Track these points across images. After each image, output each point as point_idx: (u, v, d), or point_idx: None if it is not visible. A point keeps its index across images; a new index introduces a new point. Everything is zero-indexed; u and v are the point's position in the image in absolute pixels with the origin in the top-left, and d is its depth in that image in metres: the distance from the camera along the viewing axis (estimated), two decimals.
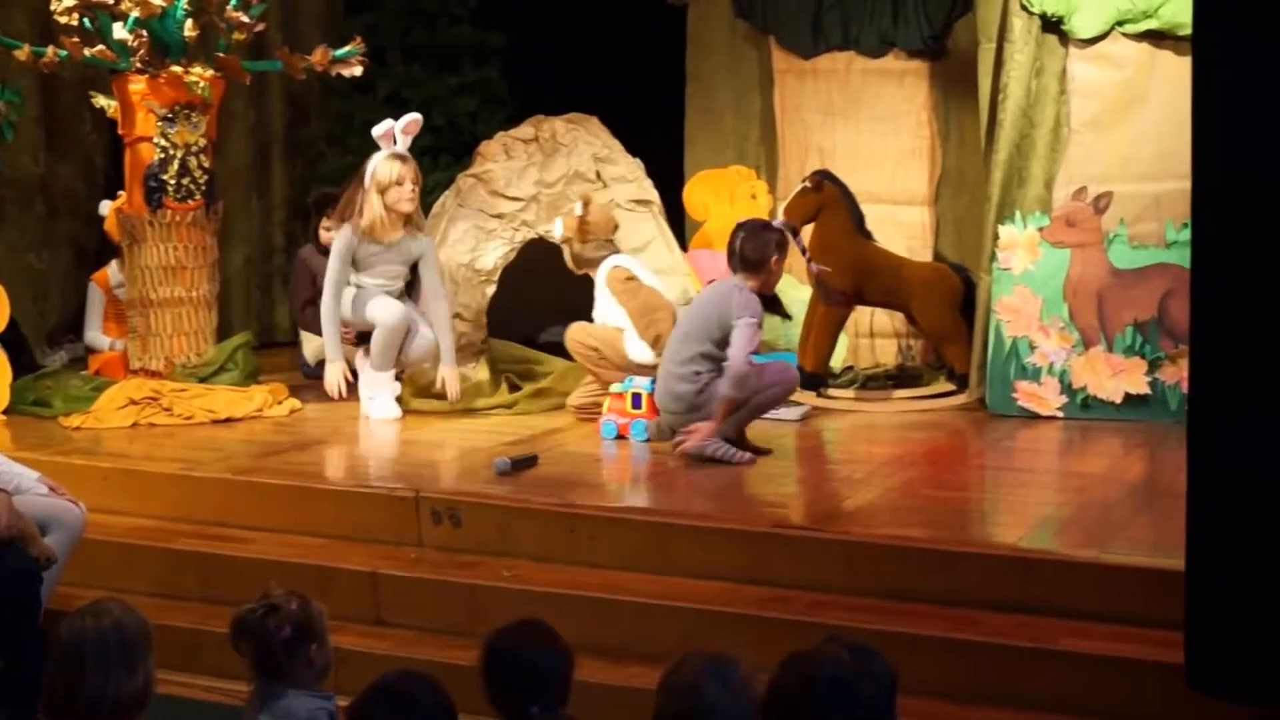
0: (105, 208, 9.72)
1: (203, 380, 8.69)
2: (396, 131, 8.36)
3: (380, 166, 8.25)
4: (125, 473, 7.26)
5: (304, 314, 9.90)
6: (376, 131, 8.37)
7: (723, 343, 7.22)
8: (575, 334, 8.45)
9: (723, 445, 7.25)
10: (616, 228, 8.73)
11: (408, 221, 8.36)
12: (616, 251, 8.63)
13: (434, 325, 8.43)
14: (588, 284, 8.99)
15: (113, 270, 9.73)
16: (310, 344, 9.86)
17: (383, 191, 8.21)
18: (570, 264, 8.68)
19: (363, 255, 8.33)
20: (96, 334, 9.83)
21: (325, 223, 9.83)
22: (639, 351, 8.29)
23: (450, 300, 8.89)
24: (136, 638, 4.15)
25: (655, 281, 8.65)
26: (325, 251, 9.82)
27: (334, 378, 8.33)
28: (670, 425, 7.45)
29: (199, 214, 8.84)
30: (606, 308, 8.43)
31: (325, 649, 4.33)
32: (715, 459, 7.22)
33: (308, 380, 9.64)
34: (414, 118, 8.49)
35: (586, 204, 8.60)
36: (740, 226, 7.53)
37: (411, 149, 10.38)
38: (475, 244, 9.25)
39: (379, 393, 8.39)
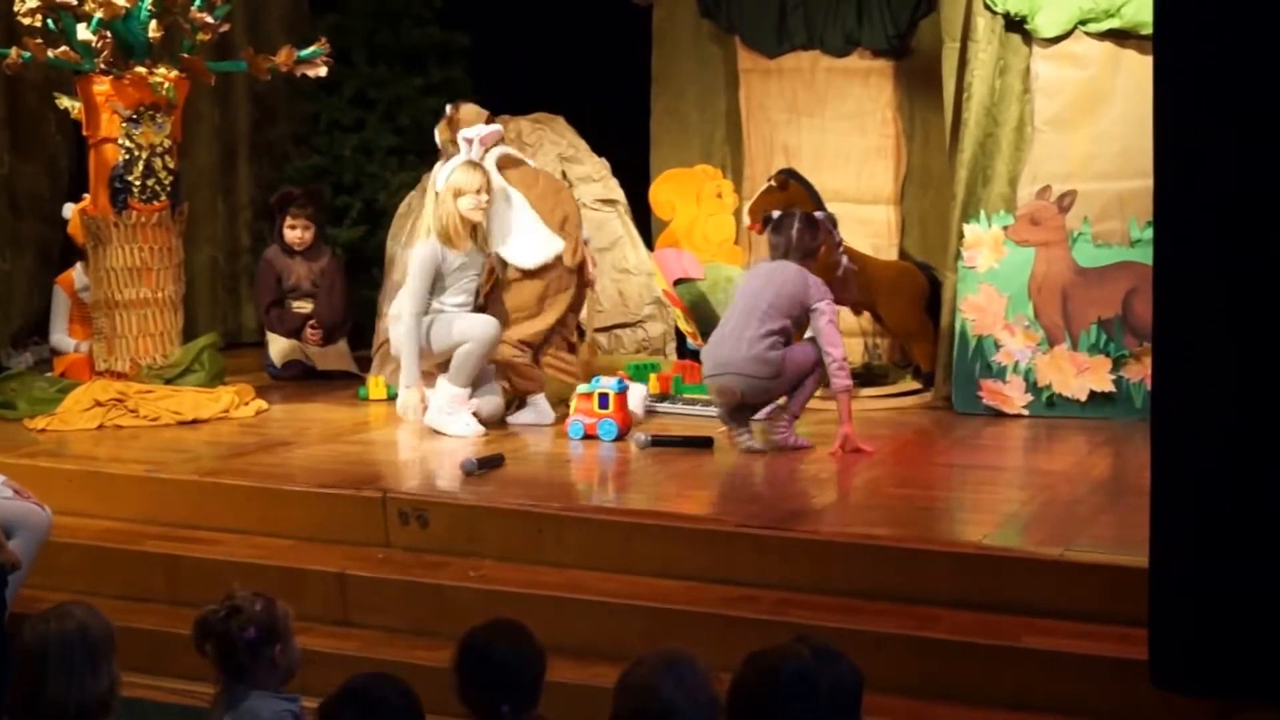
0: (68, 210, 9.69)
1: (169, 382, 8.67)
2: (475, 140, 8.17)
3: (457, 173, 7.94)
4: (91, 475, 7.23)
5: (269, 315, 9.90)
6: (465, 134, 8.17)
7: (799, 321, 7.60)
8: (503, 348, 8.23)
9: (798, 436, 7.66)
10: (489, 117, 8.67)
11: (474, 233, 8.05)
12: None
13: None
14: None
15: (77, 273, 9.71)
16: (276, 344, 9.86)
17: (457, 198, 7.95)
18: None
19: (446, 269, 7.91)
20: (62, 336, 9.82)
21: (290, 221, 9.83)
22: (535, 250, 8.25)
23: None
24: (100, 640, 4.15)
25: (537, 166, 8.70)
26: (290, 251, 9.83)
27: (411, 402, 7.94)
28: (753, 389, 7.58)
29: (164, 215, 8.81)
30: (500, 209, 8.26)
31: (290, 650, 4.31)
32: (796, 448, 7.56)
33: (274, 381, 9.65)
34: (496, 130, 8.36)
35: (455, 105, 8.65)
36: (792, 217, 7.77)
37: (375, 149, 10.43)
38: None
39: (458, 409, 7.95)
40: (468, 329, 7.90)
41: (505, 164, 8.34)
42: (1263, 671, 4.35)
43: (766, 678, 3.58)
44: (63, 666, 4.06)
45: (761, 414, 7.92)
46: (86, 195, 9.15)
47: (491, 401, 8.07)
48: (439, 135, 8.60)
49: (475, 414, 7.97)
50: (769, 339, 7.49)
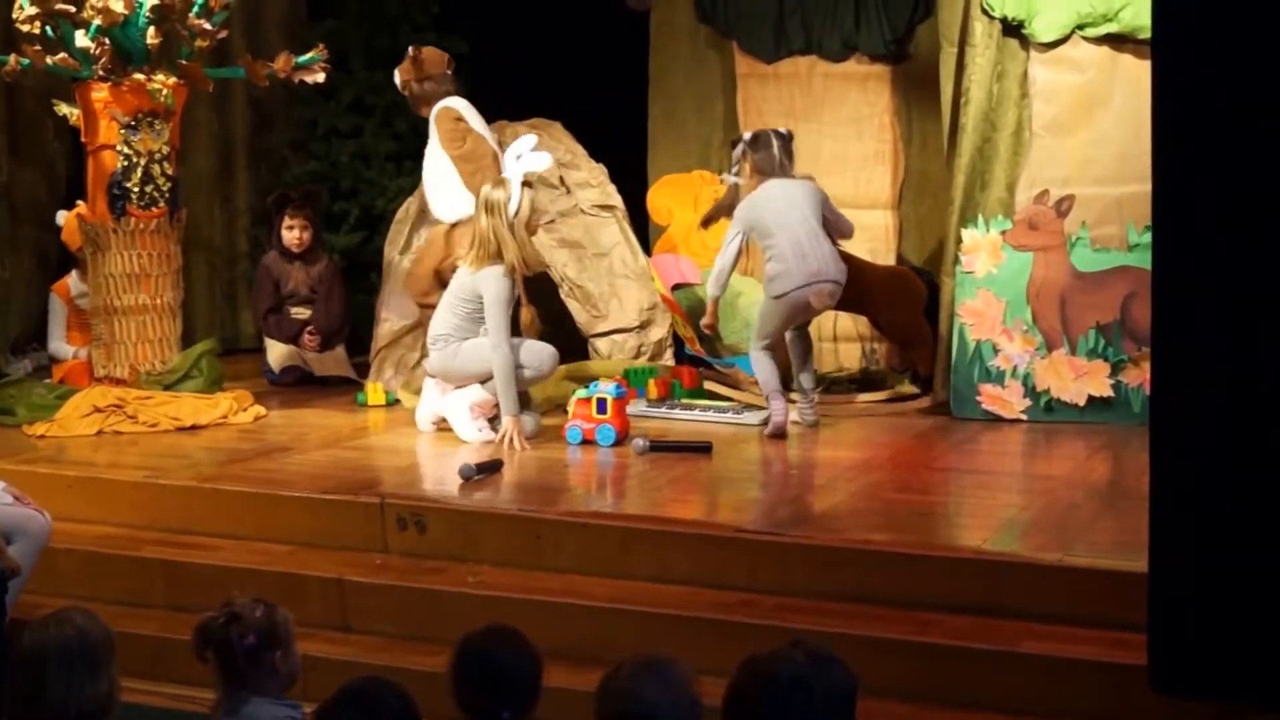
0: (62, 218, 9.68)
1: (167, 388, 8.68)
2: (523, 165, 8.06)
3: (524, 199, 7.90)
4: (90, 481, 7.24)
5: (267, 321, 9.89)
6: (521, 160, 8.07)
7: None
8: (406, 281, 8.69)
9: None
10: (451, 63, 8.95)
11: None
12: (453, 94, 8.93)
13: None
14: (552, 287, 9.02)
15: (73, 280, 9.72)
16: (274, 350, 9.86)
17: (531, 231, 8.03)
18: (411, 107, 9.20)
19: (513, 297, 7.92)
20: (60, 344, 9.82)
21: (288, 222, 9.83)
22: (453, 206, 8.46)
23: (414, 305, 8.94)
24: (99, 646, 4.15)
25: (484, 130, 8.85)
26: (288, 256, 9.82)
27: (512, 432, 7.76)
28: (836, 298, 8.22)
29: (163, 221, 8.83)
30: (434, 153, 8.62)
31: (291, 656, 4.31)
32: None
33: (272, 387, 9.65)
34: (544, 163, 8.35)
35: (418, 48, 8.93)
36: (767, 134, 8.37)
37: (373, 155, 10.44)
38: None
39: (480, 417, 8.02)
40: (541, 360, 7.98)
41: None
42: (1262, 675, 4.34)
43: (763, 683, 3.58)
44: (62, 672, 4.06)
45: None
46: (80, 202, 9.16)
47: (531, 419, 8.07)
48: (399, 77, 8.98)
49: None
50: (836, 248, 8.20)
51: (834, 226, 8.29)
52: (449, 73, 9.08)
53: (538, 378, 8.05)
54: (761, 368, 8.13)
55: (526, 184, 7.96)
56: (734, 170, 8.48)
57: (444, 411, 8.09)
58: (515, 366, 7.83)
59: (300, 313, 9.90)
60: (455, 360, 7.96)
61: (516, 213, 7.86)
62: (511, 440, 7.73)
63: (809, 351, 8.43)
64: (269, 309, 9.90)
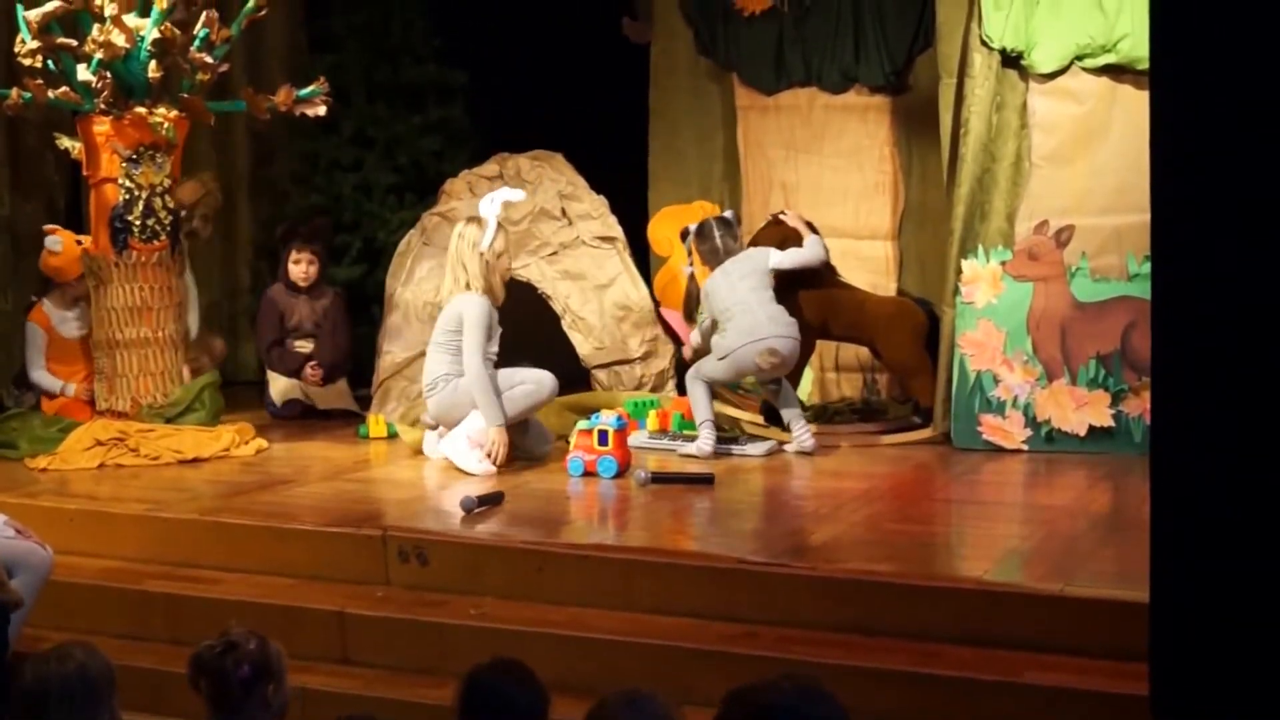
0: (58, 244, 9.48)
1: (169, 420, 8.69)
2: (498, 203, 8.37)
3: (497, 238, 8.22)
4: (92, 514, 7.24)
5: (270, 354, 9.90)
6: (495, 200, 8.37)
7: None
8: None
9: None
10: None
11: None
12: None
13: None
14: (552, 320, 9.04)
15: (48, 307, 9.48)
16: (276, 383, 9.86)
17: (498, 258, 8.25)
18: None
19: (492, 321, 8.20)
20: (43, 374, 9.46)
21: (295, 256, 9.83)
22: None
23: (416, 336, 8.95)
24: (100, 681, 4.15)
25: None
26: (293, 289, 9.83)
27: (501, 440, 8.00)
28: (791, 351, 8.50)
29: (164, 254, 8.85)
30: None
31: (283, 689, 4.31)
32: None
33: (274, 420, 9.66)
34: (518, 196, 8.68)
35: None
36: (709, 224, 8.85)
37: (374, 188, 10.48)
38: (441, 282, 9.26)
39: (477, 449, 8.07)
40: (540, 378, 8.22)
41: None
42: (1264, 705, 4.35)
43: (755, 714, 3.57)
44: (63, 708, 4.07)
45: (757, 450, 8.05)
46: (55, 230, 9.17)
47: (543, 441, 8.35)
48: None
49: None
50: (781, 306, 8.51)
51: (796, 274, 8.76)
52: None
53: (538, 395, 8.16)
54: (695, 397, 8.49)
55: (500, 226, 8.27)
56: (689, 262, 9.00)
57: (444, 449, 8.13)
58: (514, 384, 8.08)
59: (303, 346, 9.91)
60: (457, 394, 8.03)
61: (490, 246, 8.16)
62: (492, 452, 7.91)
63: (789, 392, 8.65)
64: (273, 342, 9.90)
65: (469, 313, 8.05)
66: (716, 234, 8.71)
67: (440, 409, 8.16)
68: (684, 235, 8.96)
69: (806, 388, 9.34)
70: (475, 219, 8.27)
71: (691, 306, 9.06)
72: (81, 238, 9.26)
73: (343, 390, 9.97)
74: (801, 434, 8.41)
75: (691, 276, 8.98)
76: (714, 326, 8.58)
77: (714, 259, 8.66)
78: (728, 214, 8.98)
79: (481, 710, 4.02)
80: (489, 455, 7.92)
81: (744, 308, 8.39)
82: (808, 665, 5.18)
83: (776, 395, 8.60)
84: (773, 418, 8.89)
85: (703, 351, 8.69)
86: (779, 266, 8.62)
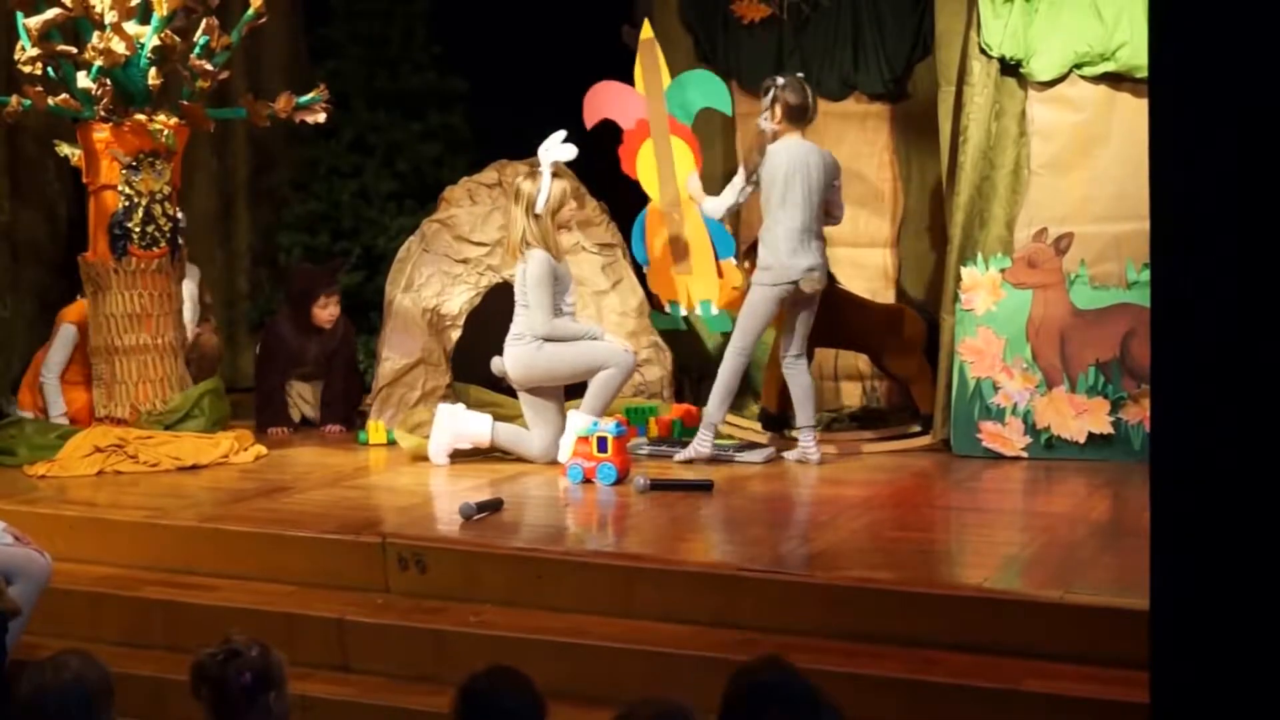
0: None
1: (168, 427, 8.69)
2: (551, 157, 8.42)
3: (552, 193, 8.30)
4: (91, 521, 7.24)
5: (268, 399, 9.73)
6: (549, 151, 8.42)
7: None
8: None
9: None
10: None
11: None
12: None
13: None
14: None
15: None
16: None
17: (555, 214, 8.32)
18: None
19: (559, 273, 8.32)
20: (55, 384, 9.21)
21: (323, 302, 9.59)
22: None
23: (415, 343, 8.96)
24: (97, 691, 4.15)
25: None
26: (308, 328, 9.70)
27: (620, 344, 8.47)
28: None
29: (164, 261, 8.85)
30: None
31: (284, 697, 4.30)
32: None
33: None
34: (570, 154, 8.53)
35: None
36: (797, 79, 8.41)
37: (373, 194, 10.44)
38: (440, 288, 9.29)
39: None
40: (607, 356, 8.31)
41: None
42: (1265, 713, 4.34)
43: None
44: (60, 718, 4.06)
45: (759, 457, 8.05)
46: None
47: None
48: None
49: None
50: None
51: (835, 204, 8.48)
52: None
53: (621, 377, 8.40)
54: (721, 383, 8.35)
55: (555, 175, 8.31)
56: (764, 116, 8.40)
57: (462, 438, 8.31)
58: (599, 368, 8.29)
59: (303, 392, 9.83)
60: (538, 355, 8.26)
61: (545, 203, 8.24)
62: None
63: (809, 389, 8.42)
64: (272, 388, 9.76)
65: (530, 273, 8.23)
66: (808, 93, 8.41)
67: (516, 363, 8.30)
68: (767, 89, 8.38)
69: None
70: (533, 173, 8.37)
71: (750, 161, 8.44)
72: None
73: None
74: (808, 445, 8.36)
75: (763, 131, 8.36)
76: (751, 188, 8.36)
77: (799, 119, 8.35)
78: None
79: (478, 718, 4.02)
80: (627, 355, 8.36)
81: (795, 206, 8.25)
82: (808, 673, 5.17)
83: (796, 381, 8.40)
84: (770, 425, 8.88)
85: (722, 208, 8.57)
86: (834, 189, 8.44)
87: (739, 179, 8.42)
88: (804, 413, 8.40)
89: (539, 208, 8.25)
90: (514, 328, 8.35)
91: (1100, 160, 8.47)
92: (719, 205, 8.53)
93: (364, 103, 11.19)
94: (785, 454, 8.46)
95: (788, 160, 8.21)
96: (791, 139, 8.28)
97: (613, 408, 8.87)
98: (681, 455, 8.36)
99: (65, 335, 9.26)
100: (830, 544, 6.64)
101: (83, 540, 7.06)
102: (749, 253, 8.79)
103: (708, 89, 9.05)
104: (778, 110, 8.30)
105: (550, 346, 8.24)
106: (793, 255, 8.16)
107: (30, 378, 9.39)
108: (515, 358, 8.28)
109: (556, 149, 8.42)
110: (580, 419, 8.10)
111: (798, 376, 8.38)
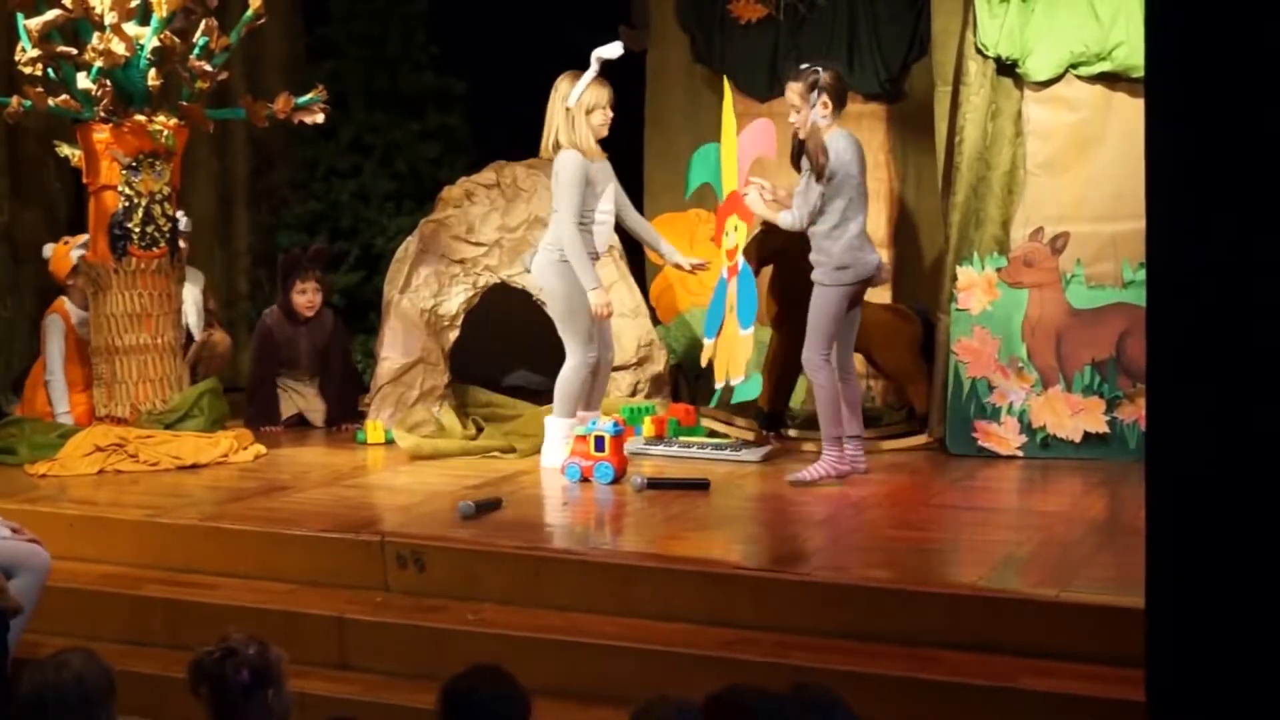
0: (48, 250, 9.57)
1: (168, 426, 8.70)
2: (602, 56, 8.19)
3: (589, 90, 8.10)
4: (91, 520, 7.26)
5: (256, 393, 9.74)
6: (602, 53, 8.17)
7: None
8: None
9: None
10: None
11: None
12: None
13: (642, 228, 8.67)
14: (548, 325, 9.04)
15: (69, 306, 9.36)
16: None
17: (589, 113, 8.11)
18: None
19: (593, 176, 8.10)
20: (60, 381, 9.32)
21: (300, 286, 9.63)
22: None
23: (414, 343, 8.98)
24: (98, 689, 4.16)
25: None
26: (295, 320, 9.73)
27: (601, 300, 8.12)
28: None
29: (164, 261, 8.87)
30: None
31: (283, 695, 4.31)
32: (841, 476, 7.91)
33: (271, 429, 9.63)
34: (615, 51, 8.27)
35: None
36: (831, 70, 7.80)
37: (372, 195, 10.44)
38: (438, 289, 9.31)
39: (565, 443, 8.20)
40: (575, 341, 8.20)
41: None
42: (1262, 711, 4.36)
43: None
44: (61, 716, 4.07)
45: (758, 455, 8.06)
46: (67, 237, 9.20)
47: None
48: None
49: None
50: None
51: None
52: None
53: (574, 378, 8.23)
54: (826, 400, 7.82)
55: (599, 81, 8.13)
56: (812, 106, 7.70)
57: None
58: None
59: (298, 387, 9.84)
60: (551, 269, 8.13)
61: (578, 100, 8.08)
62: (602, 308, 8.07)
63: (857, 392, 8.11)
64: (261, 380, 9.79)
65: (559, 172, 8.08)
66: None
67: (536, 265, 8.26)
68: (814, 84, 7.62)
69: (800, 395, 9.34)
70: (577, 73, 8.18)
71: (817, 156, 7.66)
72: (69, 238, 9.31)
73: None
74: (858, 455, 7.97)
75: (817, 127, 7.65)
76: (825, 188, 7.65)
77: (842, 108, 7.83)
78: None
79: (462, 718, 4.03)
80: (600, 313, 8.09)
81: (866, 200, 7.84)
82: (804, 671, 5.20)
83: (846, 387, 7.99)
84: (768, 425, 8.90)
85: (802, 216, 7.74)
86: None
87: (806, 183, 7.71)
88: (854, 422, 7.97)
89: (571, 100, 8.08)
90: (545, 235, 8.27)
91: (1096, 160, 8.49)
92: (798, 216, 7.71)
93: (362, 103, 11.22)
94: (804, 473, 7.85)
95: (855, 153, 7.72)
96: (841, 130, 7.77)
97: (609, 407, 8.89)
98: (805, 475, 7.81)
99: (53, 326, 9.34)
100: (827, 542, 6.66)
101: (83, 539, 7.08)
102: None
103: (707, 165, 8.90)
104: (828, 100, 7.69)
105: (560, 272, 8.06)
106: (867, 250, 7.77)
107: (34, 381, 9.47)
108: (537, 262, 8.22)
109: (605, 49, 8.20)
110: (559, 423, 8.14)
111: (848, 391, 7.97)
